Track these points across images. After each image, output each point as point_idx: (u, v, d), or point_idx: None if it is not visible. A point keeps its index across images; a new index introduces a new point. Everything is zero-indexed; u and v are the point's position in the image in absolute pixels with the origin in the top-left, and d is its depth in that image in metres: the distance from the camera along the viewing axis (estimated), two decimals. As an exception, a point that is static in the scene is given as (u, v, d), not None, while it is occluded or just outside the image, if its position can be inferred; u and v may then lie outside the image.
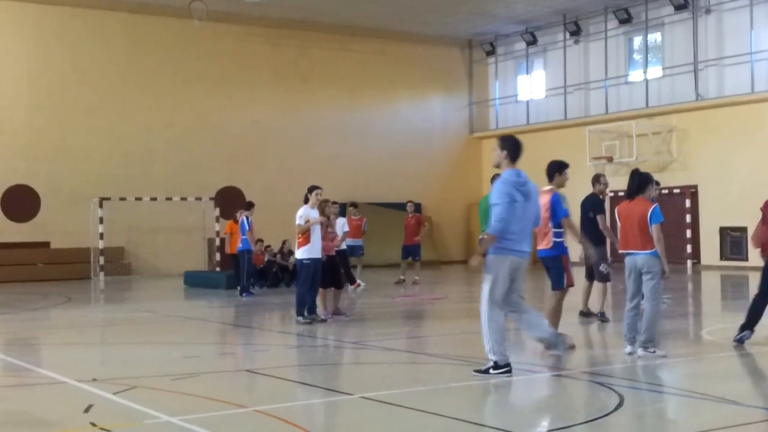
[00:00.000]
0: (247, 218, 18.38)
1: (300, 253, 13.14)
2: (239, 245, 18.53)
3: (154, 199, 26.68)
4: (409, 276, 21.39)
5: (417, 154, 31.78)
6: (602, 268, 12.52)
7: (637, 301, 9.52)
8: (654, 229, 9.21)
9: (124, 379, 8.51)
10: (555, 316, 10.35)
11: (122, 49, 27.43)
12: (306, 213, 13.08)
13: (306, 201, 13.30)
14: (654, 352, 9.33)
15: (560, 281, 10.28)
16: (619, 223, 9.63)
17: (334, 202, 18.30)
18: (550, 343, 9.08)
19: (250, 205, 18.98)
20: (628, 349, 9.52)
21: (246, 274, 18.44)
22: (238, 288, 18.60)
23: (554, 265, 10.30)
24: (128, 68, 27.47)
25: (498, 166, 8.71)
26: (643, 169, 10.44)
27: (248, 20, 28.89)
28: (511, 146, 8.62)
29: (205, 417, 6.96)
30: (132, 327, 14.03)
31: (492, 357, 8.37)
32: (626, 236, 9.48)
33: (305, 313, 13.13)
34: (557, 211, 10.14)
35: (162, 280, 24.99)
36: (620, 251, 9.70)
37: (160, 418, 6.83)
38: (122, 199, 26.11)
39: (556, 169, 10.47)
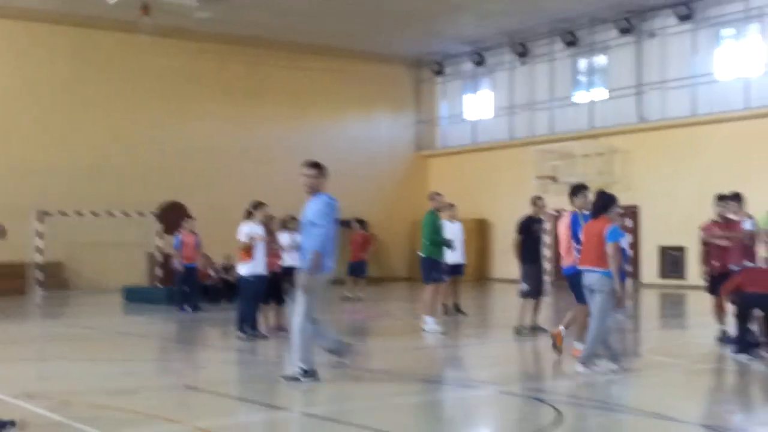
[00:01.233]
0: (176, 235, 18.26)
1: (243, 270, 13.04)
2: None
3: (95, 213, 26.28)
4: (354, 293, 21.35)
5: (363, 171, 31.77)
6: (522, 285, 13.46)
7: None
8: (609, 247, 9.35)
9: (59, 395, 8.31)
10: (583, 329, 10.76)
11: (68, 62, 27.06)
12: (249, 229, 12.99)
13: (248, 216, 13.20)
14: (594, 368, 9.41)
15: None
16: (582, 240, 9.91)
17: (293, 218, 18.20)
18: (337, 351, 9.62)
19: (185, 219, 18.74)
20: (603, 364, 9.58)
21: (181, 290, 18.28)
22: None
23: (579, 281, 10.49)
24: (74, 82, 27.10)
25: (314, 190, 9.14)
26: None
27: (197, 36, 28.70)
28: (326, 172, 9.25)
29: (141, 433, 6.84)
30: (69, 342, 13.75)
31: (301, 365, 8.91)
32: (585, 253, 9.68)
33: (247, 330, 13.00)
34: (576, 230, 10.60)
35: (102, 295, 24.57)
36: (578, 267, 9.90)
37: (94, 434, 6.70)
38: (63, 213, 25.65)
39: (572, 193, 10.86)
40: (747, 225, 11.75)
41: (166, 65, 28.45)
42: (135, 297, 21.55)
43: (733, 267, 11.47)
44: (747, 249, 11.68)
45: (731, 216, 12.01)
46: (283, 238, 15.59)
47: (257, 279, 12.99)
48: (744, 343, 10.46)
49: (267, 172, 29.58)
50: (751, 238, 11.70)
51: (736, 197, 12.15)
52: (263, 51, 30.20)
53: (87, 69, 27.29)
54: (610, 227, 9.44)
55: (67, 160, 26.76)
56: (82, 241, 26.53)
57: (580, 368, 9.44)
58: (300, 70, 31.09)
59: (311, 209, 9.09)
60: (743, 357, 10.29)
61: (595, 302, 9.49)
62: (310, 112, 31.43)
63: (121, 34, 27.10)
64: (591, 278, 9.51)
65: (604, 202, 9.74)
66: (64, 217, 25.70)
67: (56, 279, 25.78)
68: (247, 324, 13.00)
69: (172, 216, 23.67)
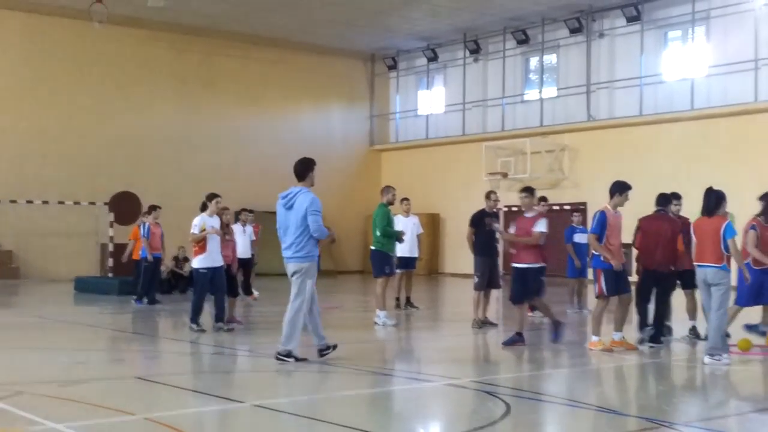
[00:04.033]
0: (144, 224, 17.98)
1: (196, 262, 13.02)
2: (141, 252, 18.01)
3: (46, 202, 25.98)
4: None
5: (317, 164, 31.71)
6: (474, 277, 13.67)
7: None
8: (730, 243, 9.82)
9: (8, 385, 8.28)
10: (596, 321, 11.22)
11: (19, 48, 26.70)
12: (202, 221, 12.96)
13: (203, 208, 13.18)
14: (719, 359, 9.78)
15: (595, 290, 11.15)
16: (694, 238, 10.26)
17: (250, 210, 18.19)
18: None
19: (151, 209, 18.45)
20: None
21: (143, 281, 17.93)
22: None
23: (594, 276, 11.13)
24: (25, 68, 26.76)
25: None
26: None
27: (150, 25, 28.47)
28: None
29: (93, 424, 6.84)
30: (19, 332, 13.63)
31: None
32: (700, 250, 10.10)
33: (199, 321, 13.02)
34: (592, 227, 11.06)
35: (52, 285, 24.33)
36: (694, 263, 10.29)
37: (45, 424, 6.69)
38: (13, 201, 25.33)
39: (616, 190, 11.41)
40: (540, 227, 11.20)
41: (118, 53, 28.20)
42: (86, 287, 21.37)
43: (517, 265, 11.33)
44: (536, 248, 11.26)
45: (527, 213, 11.47)
46: (237, 229, 15.61)
47: (210, 271, 12.96)
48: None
49: (219, 163, 29.50)
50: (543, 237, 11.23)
51: (528, 190, 11.56)
52: (217, 41, 30.06)
53: (38, 55, 26.95)
54: (725, 224, 9.88)
55: (16, 148, 26.42)
56: (32, 230, 26.25)
57: (707, 359, 9.81)
58: (254, 62, 31.01)
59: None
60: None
61: (715, 295, 9.91)
62: (264, 104, 31.37)
63: (73, 21, 26.79)
64: (708, 273, 9.93)
65: (717, 199, 10.10)
66: (14, 206, 25.40)
67: (6, 268, 25.51)
68: (200, 316, 13.02)
69: (125, 206, 23.50)
